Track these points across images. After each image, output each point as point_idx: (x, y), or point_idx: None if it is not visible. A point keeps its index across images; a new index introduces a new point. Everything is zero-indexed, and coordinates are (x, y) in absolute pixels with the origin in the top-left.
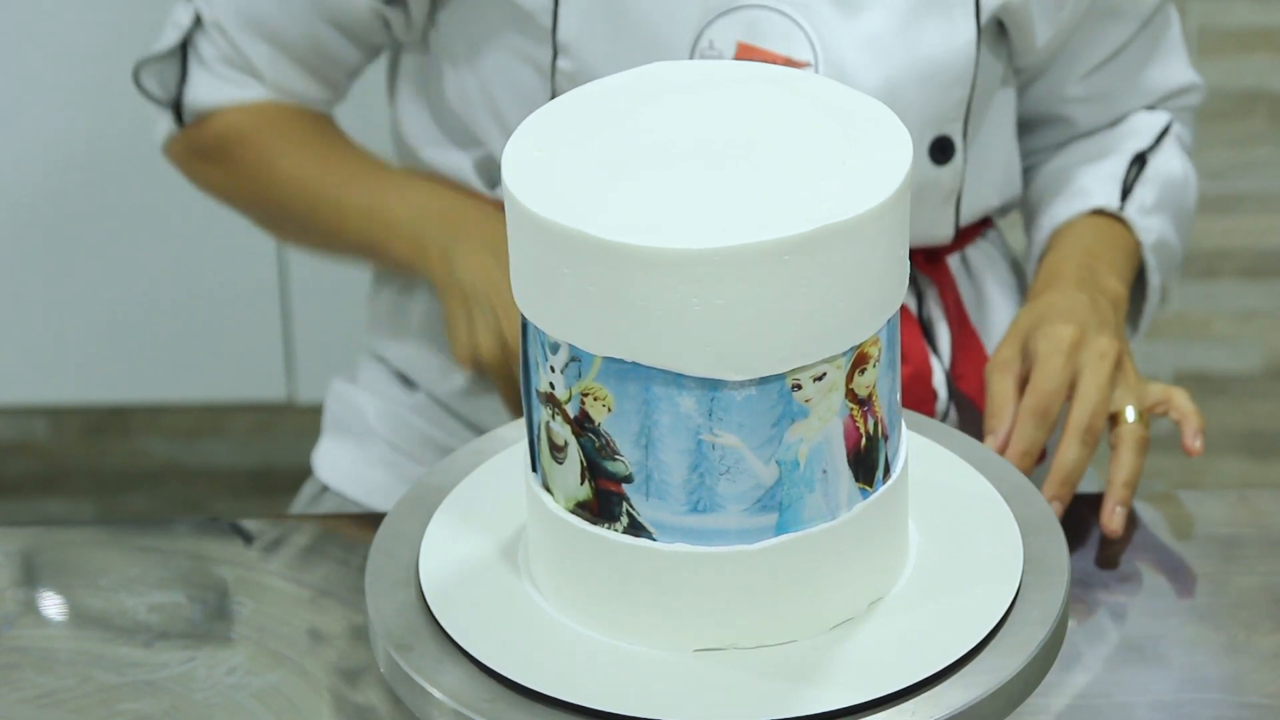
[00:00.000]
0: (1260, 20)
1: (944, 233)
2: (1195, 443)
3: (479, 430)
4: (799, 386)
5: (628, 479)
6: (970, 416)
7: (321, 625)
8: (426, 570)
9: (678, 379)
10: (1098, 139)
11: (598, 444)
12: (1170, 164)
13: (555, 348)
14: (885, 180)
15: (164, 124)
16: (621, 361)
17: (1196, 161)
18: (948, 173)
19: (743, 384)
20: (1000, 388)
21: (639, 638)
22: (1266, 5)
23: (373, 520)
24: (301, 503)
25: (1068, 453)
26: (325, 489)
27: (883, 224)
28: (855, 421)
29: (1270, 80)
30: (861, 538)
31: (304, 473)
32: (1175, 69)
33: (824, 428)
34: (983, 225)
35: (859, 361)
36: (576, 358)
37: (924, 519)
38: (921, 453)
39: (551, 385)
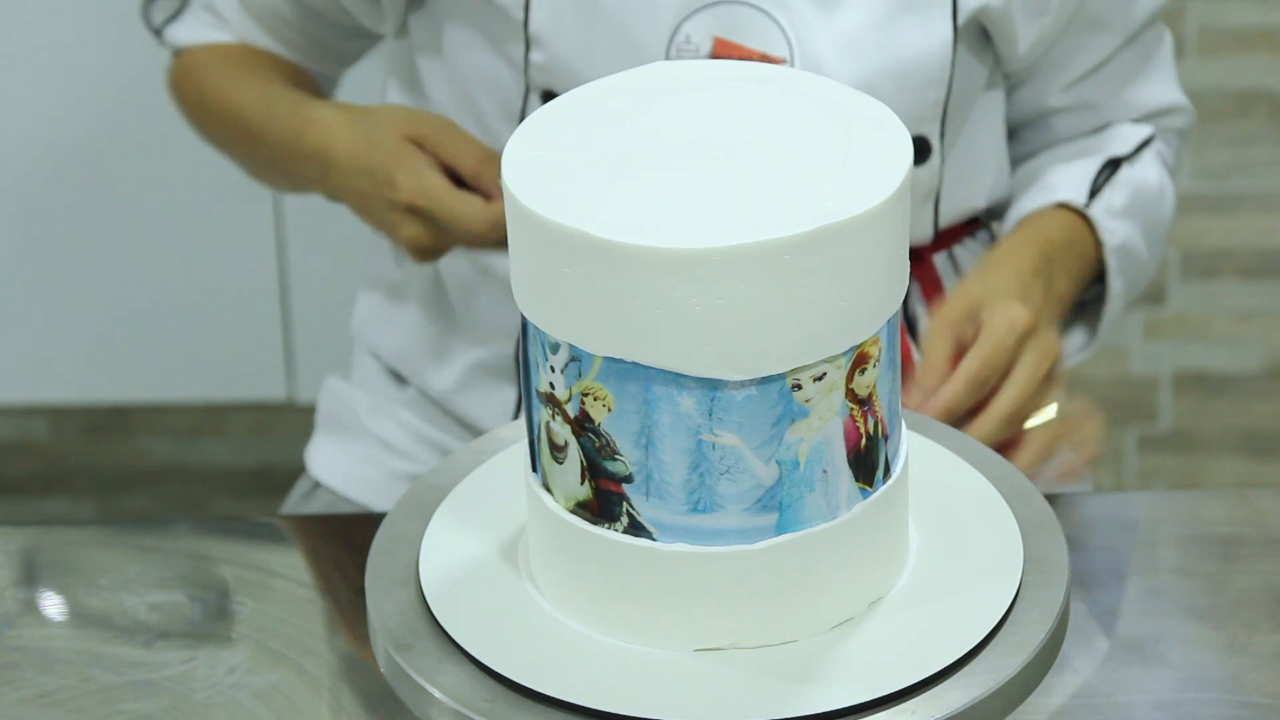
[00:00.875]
0: (1260, 20)
1: (922, 233)
2: (1080, 466)
3: (470, 426)
4: (799, 386)
5: (628, 479)
6: None
7: (321, 625)
8: (426, 570)
9: (677, 379)
10: (1076, 143)
11: (598, 444)
12: (1146, 174)
13: (555, 347)
14: (885, 179)
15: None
16: (621, 361)
17: (1196, 161)
18: (924, 173)
19: (743, 384)
20: (940, 345)
21: (639, 638)
22: (1266, 5)
23: (373, 520)
24: (294, 499)
25: (985, 428)
26: (317, 485)
27: (883, 223)
28: (855, 421)
29: (1270, 80)
30: (862, 537)
31: (303, 472)
32: (1162, 88)
33: (824, 427)
34: (971, 225)
35: (859, 361)
36: (576, 358)
37: (924, 519)
38: (921, 453)
39: (551, 385)
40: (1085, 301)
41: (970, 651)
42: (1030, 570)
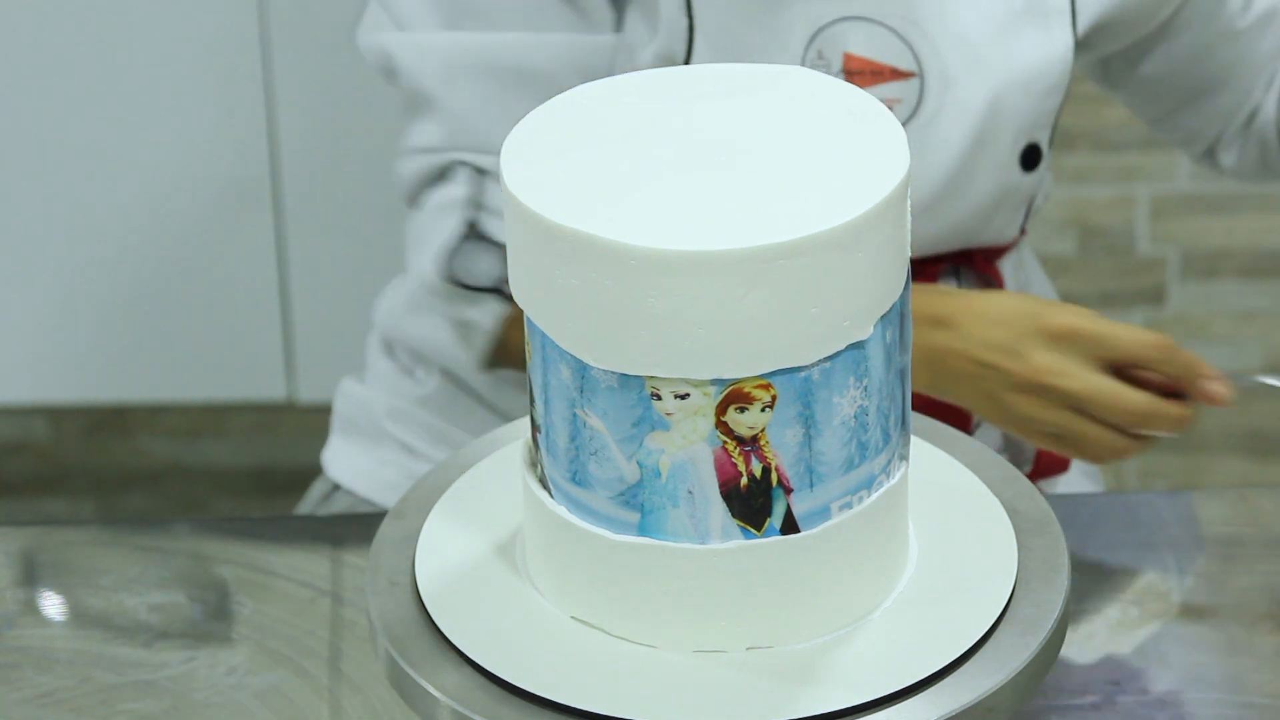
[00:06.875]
0: None
1: (1011, 233)
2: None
3: (495, 410)
4: (658, 396)
5: (538, 428)
6: None
7: (321, 625)
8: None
9: (558, 347)
10: None
11: (529, 387)
12: None
13: None
14: (803, 221)
15: (487, 322)
16: (530, 319)
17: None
18: (1033, 178)
19: (606, 372)
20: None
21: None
22: None
23: (373, 519)
24: (311, 502)
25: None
26: (336, 488)
27: (767, 268)
28: (731, 457)
29: None
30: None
31: (304, 472)
32: None
33: (689, 448)
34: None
35: (735, 399)
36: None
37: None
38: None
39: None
40: None
41: (970, 651)
42: (1030, 570)
